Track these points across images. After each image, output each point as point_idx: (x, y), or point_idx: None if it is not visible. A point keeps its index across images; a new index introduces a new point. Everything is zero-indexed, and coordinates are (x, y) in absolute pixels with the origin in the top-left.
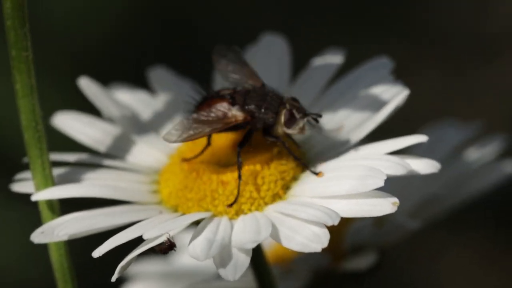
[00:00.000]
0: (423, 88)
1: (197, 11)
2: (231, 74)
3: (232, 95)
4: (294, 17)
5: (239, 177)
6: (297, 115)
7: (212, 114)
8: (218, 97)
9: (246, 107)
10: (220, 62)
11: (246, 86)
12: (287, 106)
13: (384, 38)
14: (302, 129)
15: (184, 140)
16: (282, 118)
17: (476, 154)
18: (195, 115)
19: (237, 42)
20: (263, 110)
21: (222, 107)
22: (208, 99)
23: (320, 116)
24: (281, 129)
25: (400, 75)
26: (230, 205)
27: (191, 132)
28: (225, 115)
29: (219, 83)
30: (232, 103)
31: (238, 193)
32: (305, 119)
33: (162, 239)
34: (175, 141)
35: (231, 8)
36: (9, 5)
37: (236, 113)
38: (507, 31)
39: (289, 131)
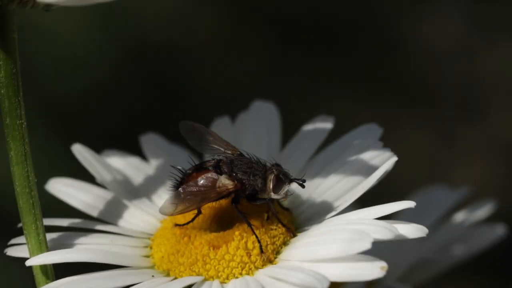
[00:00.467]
0: (411, 147)
1: (185, 79)
2: (207, 146)
3: (216, 165)
4: (285, 83)
5: (249, 225)
6: (284, 180)
7: (202, 185)
8: (203, 169)
9: (234, 175)
10: (190, 137)
11: (228, 155)
12: (274, 171)
13: (372, 100)
14: (286, 194)
15: (181, 212)
16: (271, 184)
17: (466, 218)
18: (185, 187)
19: (227, 109)
20: (251, 177)
21: (210, 177)
22: (193, 172)
23: (303, 181)
24: (268, 195)
25: (387, 136)
26: (262, 252)
27: (187, 204)
28: (214, 184)
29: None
30: (220, 172)
31: (259, 240)
32: (290, 184)
33: None
34: (172, 214)
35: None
36: (3, 74)
37: (225, 182)
38: (494, 89)
39: (276, 196)
